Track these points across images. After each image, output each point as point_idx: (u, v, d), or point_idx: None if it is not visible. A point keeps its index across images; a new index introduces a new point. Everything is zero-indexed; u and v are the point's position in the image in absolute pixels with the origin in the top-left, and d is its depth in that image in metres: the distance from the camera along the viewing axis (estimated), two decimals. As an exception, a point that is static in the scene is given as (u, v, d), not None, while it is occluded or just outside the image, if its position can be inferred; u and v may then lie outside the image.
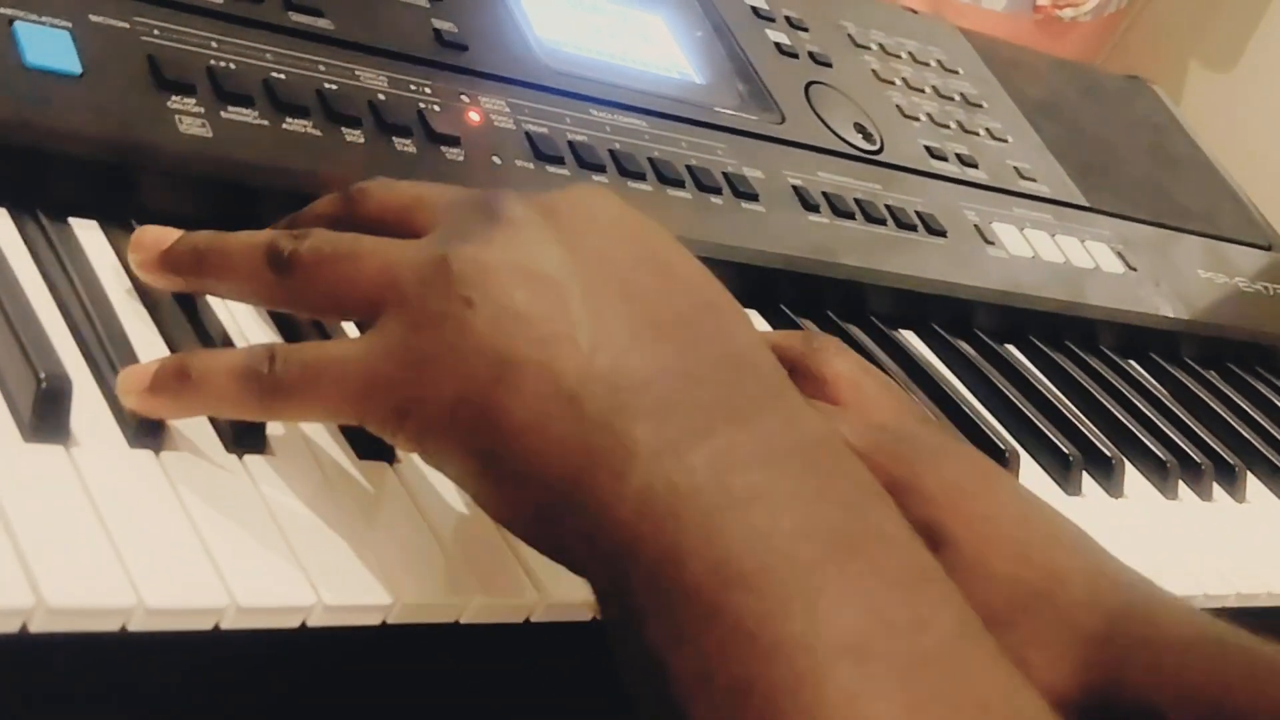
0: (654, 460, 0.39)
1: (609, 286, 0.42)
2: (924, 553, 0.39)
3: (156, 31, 0.57)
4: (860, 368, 0.55)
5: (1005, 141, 0.93)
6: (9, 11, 0.53)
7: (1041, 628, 0.48)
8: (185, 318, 0.49)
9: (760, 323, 0.72)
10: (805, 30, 0.88)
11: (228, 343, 0.49)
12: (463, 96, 0.65)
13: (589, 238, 0.43)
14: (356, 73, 0.62)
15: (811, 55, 0.86)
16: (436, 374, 0.40)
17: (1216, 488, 0.77)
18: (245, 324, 0.52)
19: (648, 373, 0.40)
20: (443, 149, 0.62)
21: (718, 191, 0.71)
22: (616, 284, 0.42)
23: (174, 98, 0.55)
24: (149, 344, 0.48)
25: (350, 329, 0.51)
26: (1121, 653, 0.48)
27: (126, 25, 0.57)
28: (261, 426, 0.46)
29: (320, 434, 0.48)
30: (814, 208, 0.75)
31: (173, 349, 0.49)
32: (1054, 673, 0.48)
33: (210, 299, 0.52)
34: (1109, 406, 0.79)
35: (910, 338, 0.78)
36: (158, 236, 0.48)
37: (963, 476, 0.51)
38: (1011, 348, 0.82)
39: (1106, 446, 0.73)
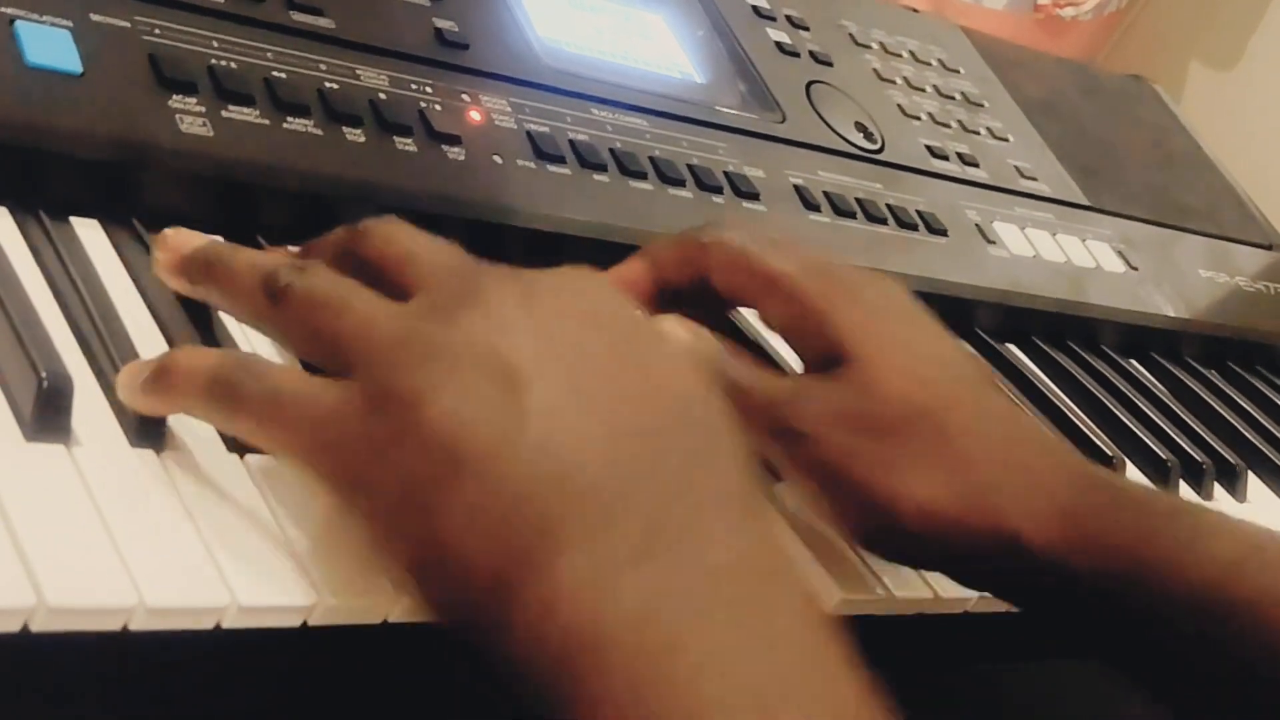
0: (584, 591, 0.38)
1: (571, 387, 0.41)
2: (862, 699, 0.39)
3: (157, 30, 0.57)
4: (770, 239, 0.57)
5: (1006, 141, 0.93)
6: (10, 10, 0.54)
7: (923, 442, 0.51)
8: (186, 317, 0.49)
9: (761, 323, 0.72)
10: (806, 29, 0.88)
11: (231, 344, 0.49)
12: (464, 96, 0.65)
13: (563, 330, 0.42)
14: (357, 72, 0.62)
15: (812, 54, 0.86)
16: (384, 463, 0.39)
17: (1217, 487, 0.77)
18: (255, 338, 0.52)
19: (590, 483, 0.39)
20: (444, 148, 0.62)
21: (719, 191, 0.71)
22: (580, 385, 0.41)
23: (175, 97, 0.55)
24: (150, 343, 0.48)
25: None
26: (1004, 485, 0.52)
27: (127, 24, 0.57)
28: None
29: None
30: (815, 207, 0.75)
31: (173, 348, 0.49)
32: (931, 487, 0.51)
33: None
34: (1110, 406, 0.79)
35: (911, 337, 0.78)
36: (182, 240, 0.49)
37: (876, 306, 0.54)
38: (1012, 347, 0.82)
39: (1107, 446, 0.73)
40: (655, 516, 0.39)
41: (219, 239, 0.50)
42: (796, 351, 0.56)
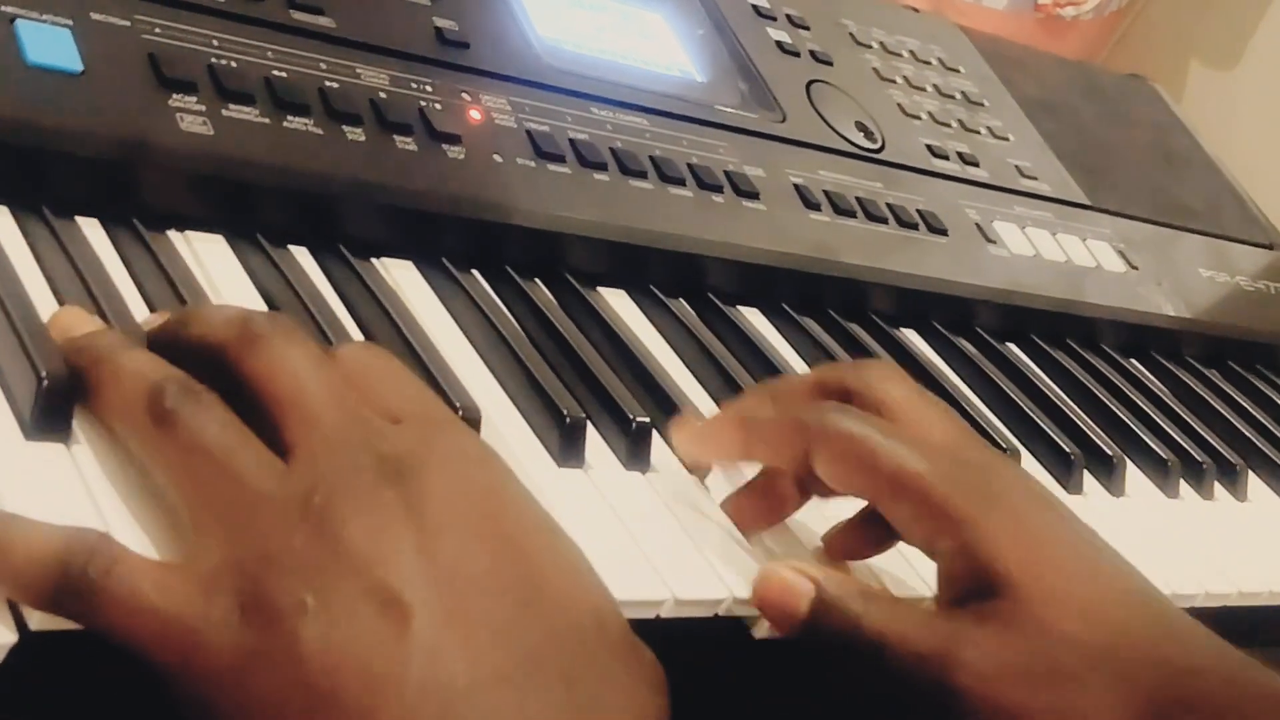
0: None
1: (457, 611, 0.37)
2: None
3: (158, 29, 0.57)
4: (916, 392, 0.53)
5: (1006, 140, 0.93)
6: (11, 10, 0.54)
7: (1105, 686, 0.46)
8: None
9: (762, 321, 0.72)
10: (806, 28, 0.88)
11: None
12: (464, 95, 0.65)
13: (450, 540, 0.38)
14: (358, 71, 0.62)
15: (813, 53, 0.86)
16: (252, 688, 0.36)
17: (1218, 486, 0.77)
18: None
19: None
20: (444, 147, 0.62)
21: (719, 190, 0.71)
22: (467, 608, 0.37)
23: (175, 96, 0.55)
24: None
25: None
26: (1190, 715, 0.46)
27: (128, 23, 0.57)
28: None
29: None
30: (815, 206, 0.75)
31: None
32: None
33: (212, 297, 0.52)
34: (1110, 405, 0.79)
35: (911, 336, 0.78)
36: (70, 321, 0.45)
37: (1029, 519, 0.48)
38: (1013, 346, 0.82)
39: (1108, 445, 0.73)
40: None
41: (108, 330, 0.45)
42: (932, 558, 0.49)
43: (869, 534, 0.52)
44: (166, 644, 0.37)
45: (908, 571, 0.55)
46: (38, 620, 0.37)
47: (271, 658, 0.36)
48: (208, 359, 0.42)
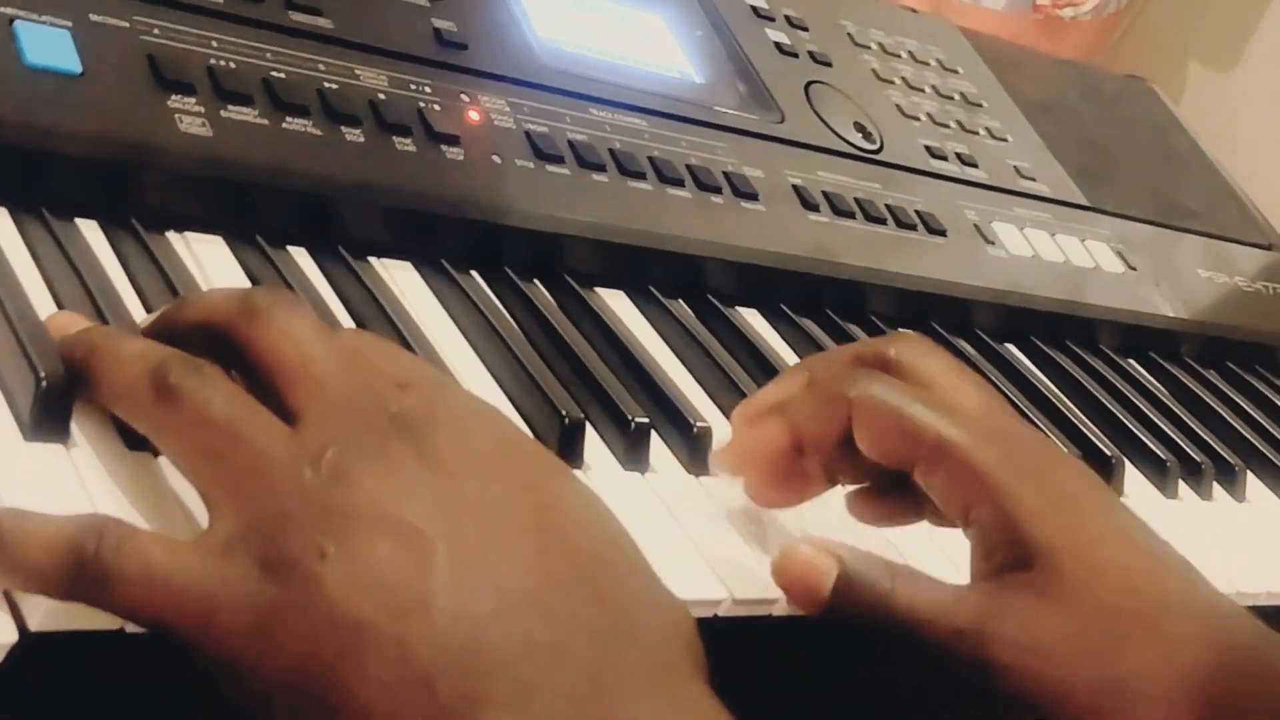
0: None
1: (480, 542, 0.37)
2: None
3: (156, 31, 0.57)
4: (954, 366, 0.52)
5: (1005, 141, 0.93)
6: (9, 11, 0.54)
7: (1146, 660, 0.45)
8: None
9: (761, 322, 0.72)
10: (805, 29, 0.88)
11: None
12: (463, 96, 0.65)
13: (468, 480, 0.39)
14: (356, 72, 0.62)
15: (811, 54, 0.86)
16: (279, 635, 0.36)
17: (1216, 487, 0.77)
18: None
19: (509, 649, 0.36)
20: (443, 148, 0.62)
21: (718, 191, 0.71)
22: (489, 538, 0.38)
23: (174, 97, 0.55)
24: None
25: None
26: (1237, 696, 0.46)
27: (126, 24, 0.57)
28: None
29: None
30: (814, 207, 0.75)
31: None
32: (1162, 708, 0.45)
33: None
34: (1109, 406, 0.79)
35: (910, 337, 0.78)
36: (64, 321, 0.45)
37: (1067, 488, 0.48)
38: (1011, 347, 0.82)
39: (1106, 446, 0.73)
40: (583, 682, 0.36)
41: (100, 325, 0.45)
42: (965, 532, 0.49)
43: (883, 506, 0.52)
44: (185, 611, 0.36)
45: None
46: (38, 621, 0.37)
47: (296, 605, 0.36)
48: (207, 339, 0.41)
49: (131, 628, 0.37)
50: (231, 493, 0.38)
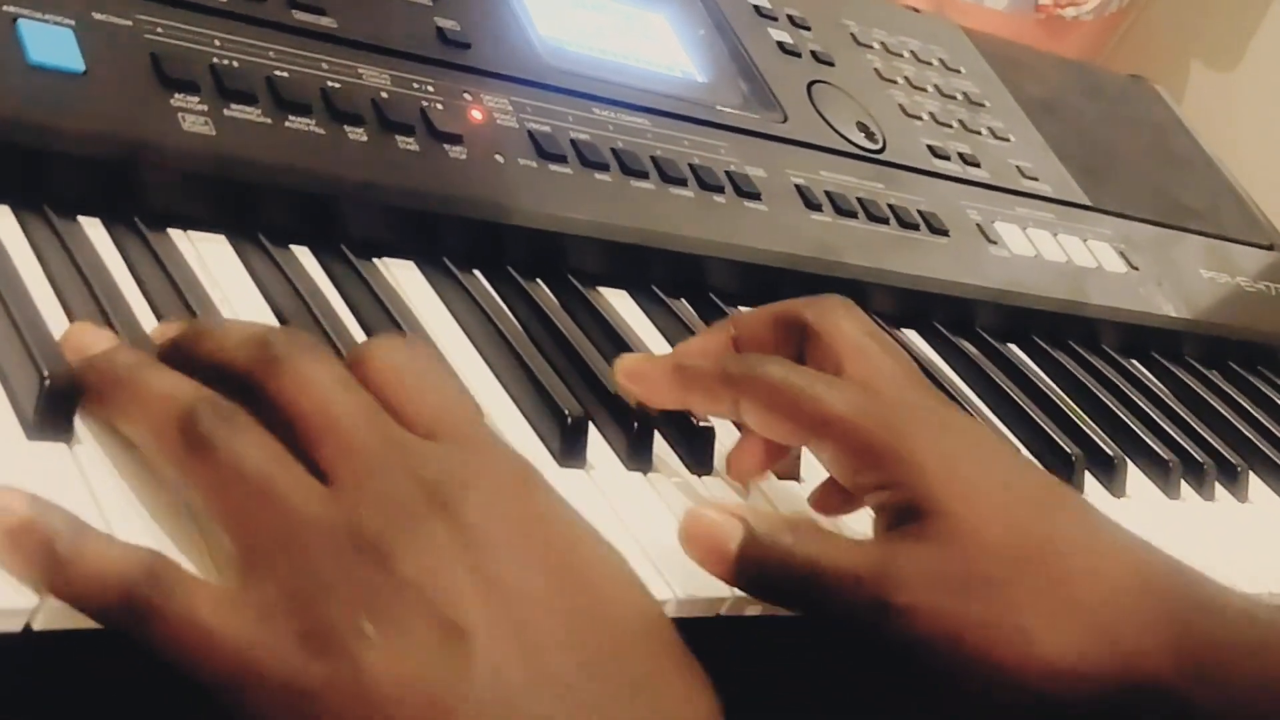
0: None
1: (515, 630, 0.37)
2: None
3: (159, 29, 0.57)
4: (866, 330, 0.53)
5: (1007, 140, 0.93)
6: (13, 9, 0.54)
7: (1039, 596, 0.46)
8: (188, 314, 0.49)
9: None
10: (808, 29, 0.88)
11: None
12: (465, 95, 0.65)
13: (501, 560, 0.38)
14: (359, 71, 0.62)
15: (814, 54, 0.86)
16: (311, 711, 0.36)
17: (1219, 487, 0.77)
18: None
19: None
20: (445, 147, 0.62)
21: (720, 190, 0.71)
22: (524, 625, 0.38)
23: (177, 95, 0.55)
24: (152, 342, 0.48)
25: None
26: (1138, 627, 0.47)
27: (129, 23, 0.57)
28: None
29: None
30: (816, 206, 0.75)
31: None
32: (1057, 642, 0.46)
33: (215, 300, 0.52)
34: (1111, 406, 0.79)
35: (913, 337, 0.78)
36: (84, 340, 0.44)
37: (956, 444, 0.49)
38: (1014, 347, 0.82)
39: (1109, 446, 0.73)
40: None
41: (124, 346, 0.45)
42: (862, 500, 0.51)
43: (841, 492, 0.53)
44: (221, 670, 0.36)
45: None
46: (41, 620, 0.37)
47: (333, 685, 0.36)
48: (225, 380, 0.41)
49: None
50: (268, 552, 0.38)
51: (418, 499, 0.39)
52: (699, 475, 0.56)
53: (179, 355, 0.43)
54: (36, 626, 0.37)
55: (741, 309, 0.71)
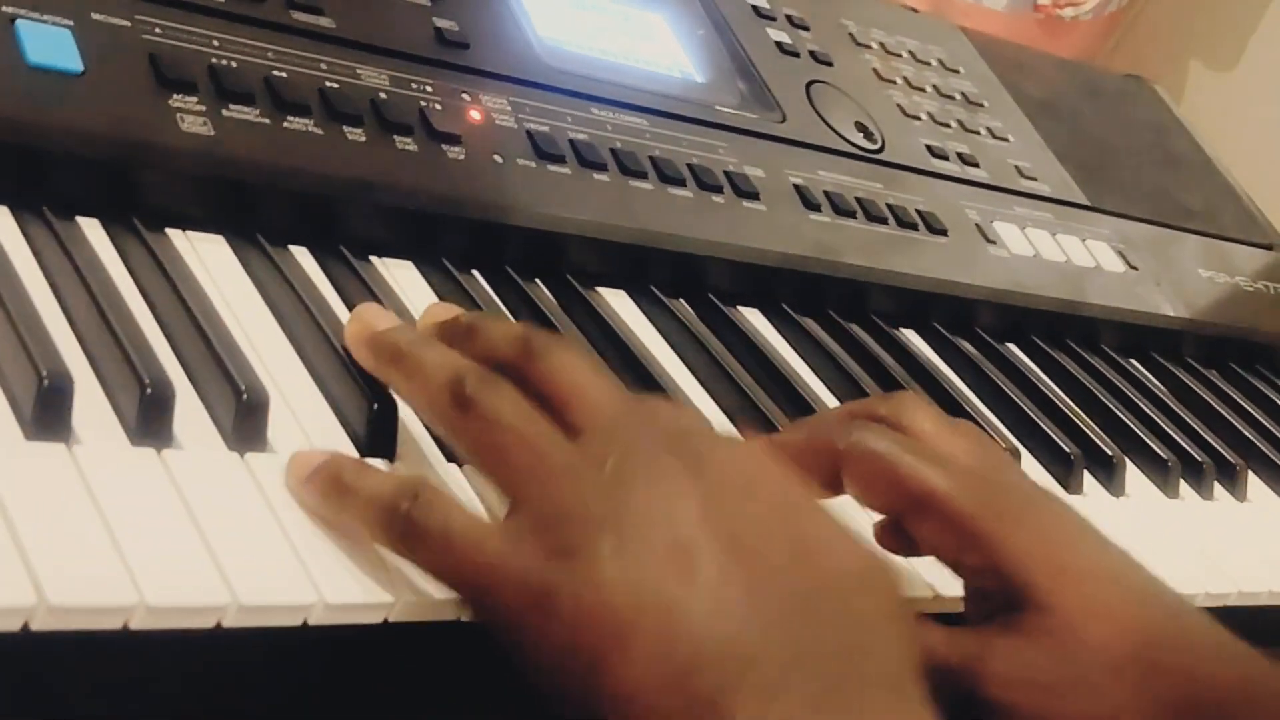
0: None
1: (737, 555, 0.41)
2: None
3: (158, 30, 0.57)
4: (944, 420, 0.54)
5: (1006, 141, 0.93)
6: (11, 10, 0.54)
7: (1135, 694, 0.47)
8: (187, 316, 0.49)
9: (762, 322, 0.72)
10: (806, 29, 0.88)
11: (229, 343, 0.49)
12: (464, 95, 0.65)
13: (729, 500, 0.42)
14: (358, 71, 0.62)
15: (812, 54, 0.86)
16: (556, 614, 0.41)
17: (1218, 486, 0.77)
18: (252, 330, 0.52)
19: (760, 652, 0.40)
20: (444, 147, 0.62)
21: (719, 190, 0.71)
22: (746, 553, 0.41)
23: (175, 96, 0.55)
24: (152, 341, 0.48)
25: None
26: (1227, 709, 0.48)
27: (128, 23, 0.57)
28: (261, 424, 0.46)
29: (322, 432, 0.48)
30: (815, 206, 0.75)
31: (174, 346, 0.49)
32: None
33: (213, 296, 0.52)
34: (1110, 405, 0.79)
35: (911, 337, 0.78)
36: (374, 317, 0.50)
37: (1053, 532, 0.49)
38: (1013, 346, 0.82)
39: (1108, 445, 0.73)
40: (823, 688, 0.40)
41: (405, 325, 0.50)
42: (959, 575, 0.51)
43: (896, 539, 0.53)
44: (474, 576, 0.42)
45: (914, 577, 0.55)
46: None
47: (574, 591, 0.40)
48: (488, 366, 0.46)
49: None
50: (522, 489, 0.43)
51: (658, 442, 0.44)
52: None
53: (448, 343, 0.48)
54: (35, 627, 0.37)
55: (740, 308, 0.71)
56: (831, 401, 0.67)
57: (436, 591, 0.44)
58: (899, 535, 0.53)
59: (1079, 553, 0.49)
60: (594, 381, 0.46)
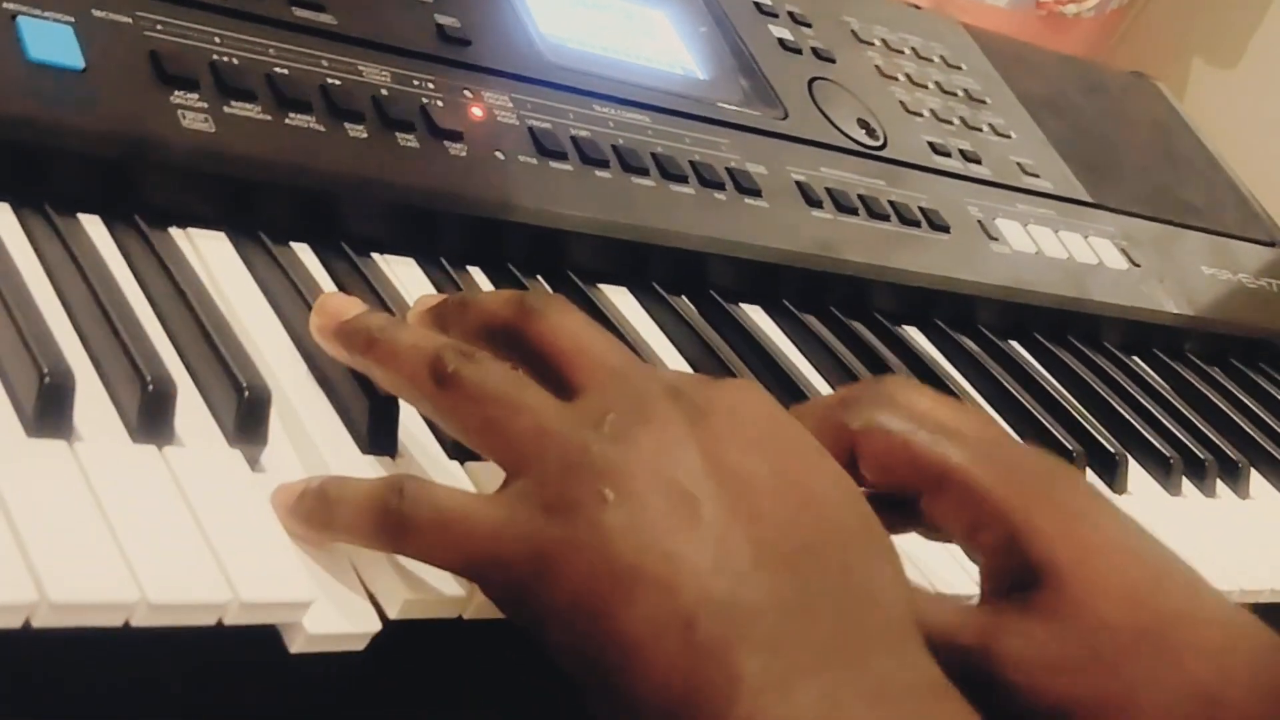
0: (757, 697, 0.38)
1: (741, 505, 0.41)
2: None
3: (159, 26, 0.57)
4: (944, 399, 0.53)
5: (1008, 137, 0.93)
6: (12, 6, 0.53)
7: (1152, 673, 0.46)
8: (188, 313, 0.49)
9: (764, 319, 0.72)
10: (808, 26, 0.88)
11: (231, 340, 0.49)
12: (466, 92, 0.65)
13: (732, 450, 0.42)
14: (359, 68, 0.62)
15: (815, 51, 0.86)
16: (560, 567, 0.40)
17: (1220, 484, 0.77)
18: (253, 327, 0.52)
19: (764, 601, 0.40)
20: (446, 144, 0.62)
21: (721, 187, 0.71)
22: (749, 503, 0.41)
23: (177, 92, 0.55)
24: (153, 339, 0.48)
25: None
26: (1247, 706, 0.47)
27: (129, 20, 0.57)
28: (263, 421, 0.46)
29: (324, 429, 0.48)
30: (817, 203, 0.75)
31: (175, 343, 0.49)
32: (1166, 717, 0.46)
33: (214, 293, 0.52)
34: (1112, 402, 0.79)
35: (914, 334, 0.78)
36: (340, 306, 0.49)
37: (1069, 506, 0.48)
38: (1015, 344, 0.82)
39: (1110, 442, 0.73)
40: (827, 640, 0.40)
41: (373, 310, 0.49)
42: (973, 558, 0.50)
43: (885, 517, 0.52)
44: (473, 547, 0.41)
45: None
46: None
47: (576, 544, 0.40)
48: (486, 336, 0.46)
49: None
50: (518, 455, 0.42)
51: (657, 394, 0.43)
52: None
53: (437, 321, 0.48)
54: (37, 624, 0.37)
55: (743, 305, 0.71)
56: (834, 398, 0.67)
57: (443, 587, 0.44)
58: (890, 513, 0.52)
59: (1094, 528, 0.48)
60: (594, 337, 0.45)
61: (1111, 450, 0.72)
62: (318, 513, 0.43)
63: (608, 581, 0.40)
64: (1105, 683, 0.46)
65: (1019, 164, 0.91)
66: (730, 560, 0.40)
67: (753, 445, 0.43)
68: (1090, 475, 0.71)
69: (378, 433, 0.48)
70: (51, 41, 0.53)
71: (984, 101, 0.94)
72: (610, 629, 0.39)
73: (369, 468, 0.48)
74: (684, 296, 0.69)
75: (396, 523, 0.42)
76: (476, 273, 0.63)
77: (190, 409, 0.46)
